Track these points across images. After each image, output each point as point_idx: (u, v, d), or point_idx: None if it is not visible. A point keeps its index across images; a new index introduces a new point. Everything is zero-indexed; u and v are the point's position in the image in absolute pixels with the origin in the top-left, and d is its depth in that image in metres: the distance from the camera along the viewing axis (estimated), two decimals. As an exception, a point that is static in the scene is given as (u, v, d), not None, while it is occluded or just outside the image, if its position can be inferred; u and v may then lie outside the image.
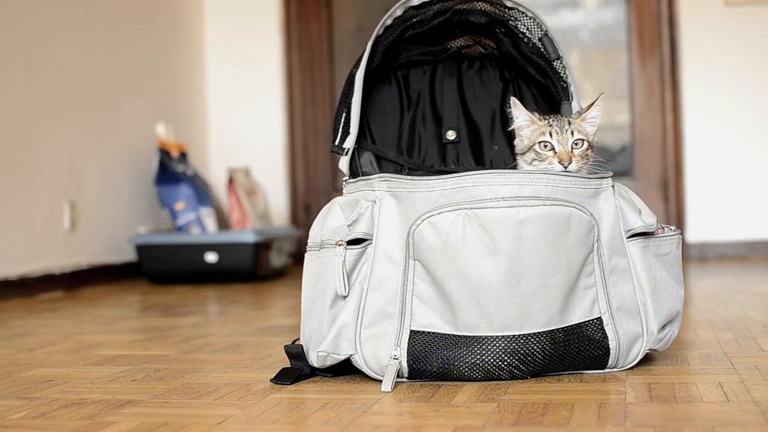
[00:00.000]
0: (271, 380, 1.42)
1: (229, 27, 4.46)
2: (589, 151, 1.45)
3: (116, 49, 3.68)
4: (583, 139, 1.44)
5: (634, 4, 4.20)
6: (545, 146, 1.44)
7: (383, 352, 1.35)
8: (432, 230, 1.32)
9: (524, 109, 1.48)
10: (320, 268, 1.39)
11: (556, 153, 1.43)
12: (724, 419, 1.09)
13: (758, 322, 1.92)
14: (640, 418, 1.12)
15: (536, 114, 1.48)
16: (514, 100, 1.48)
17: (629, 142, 4.24)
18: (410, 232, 1.34)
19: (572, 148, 1.43)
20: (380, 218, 1.37)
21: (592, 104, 1.47)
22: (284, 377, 1.41)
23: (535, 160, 1.45)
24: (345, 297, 1.37)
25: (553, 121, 1.45)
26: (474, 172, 1.34)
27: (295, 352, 1.44)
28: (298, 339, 1.47)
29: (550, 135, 1.43)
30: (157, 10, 4.03)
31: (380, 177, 1.38)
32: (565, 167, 1.41)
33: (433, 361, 1.34)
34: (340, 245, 1.36)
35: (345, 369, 1.43)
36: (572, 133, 1.43)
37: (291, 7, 4.45)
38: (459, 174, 1.34)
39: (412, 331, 1.35)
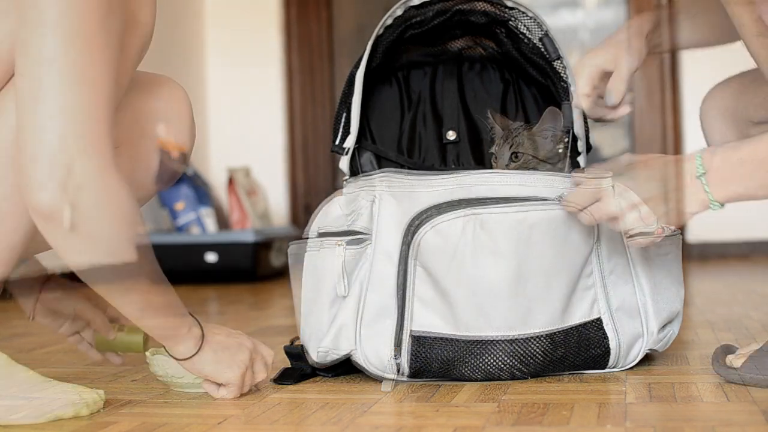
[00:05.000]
0: (273, 380, 1.42)
1: (229, 27, 4.46)
2: (538, 164, 1.42)
3: (116, 49, 3.68)
4: (521, 153, 1.43)
5: (634, 4, 4.20)
6: (492, 157, 1.45)
7: (383, 352, 1.35)
8: (436, 234, 1.32)
9: (495, 121, 1.49)
10: (320, 267, 1.39)
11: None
12: (724, 419, 1.09)
13: (758, 322, 1.92)
14: (640, 418, 1.12)
15: (509, 122, 1.48)
16: (490, 112, 1.50)
17: (629, 142, 4.24)
18: (414, 238, 1.33)
19: (509, 162, 1.43)
20: (380, 217, 1.37)
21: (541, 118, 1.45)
22: (287, 377, 1.41)
23: None
24: (345, 297, 1.37)
25: (509, 132, 1.45)
26: (474, 171, 1.34)
27: (295, 353, 1.45)
28: (297, 339, 1.47)
29: (497, 147, 1.45)
30: (157, 10, 4.02)
31: (380, 175, 1.38)
32: None
33: (433, 362, 1.34)
34: (339, 245, 1.36)
35: (345, 369, 1.43)
36: (510, 146, 1.43)
37: (291, 7, 4.45)
38: (459, 172, 1.34)
39: (412, 332, 1.35)
